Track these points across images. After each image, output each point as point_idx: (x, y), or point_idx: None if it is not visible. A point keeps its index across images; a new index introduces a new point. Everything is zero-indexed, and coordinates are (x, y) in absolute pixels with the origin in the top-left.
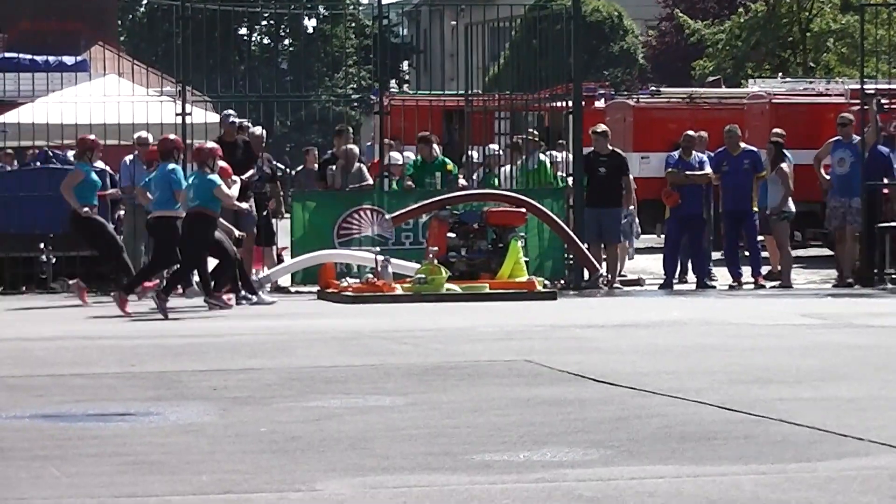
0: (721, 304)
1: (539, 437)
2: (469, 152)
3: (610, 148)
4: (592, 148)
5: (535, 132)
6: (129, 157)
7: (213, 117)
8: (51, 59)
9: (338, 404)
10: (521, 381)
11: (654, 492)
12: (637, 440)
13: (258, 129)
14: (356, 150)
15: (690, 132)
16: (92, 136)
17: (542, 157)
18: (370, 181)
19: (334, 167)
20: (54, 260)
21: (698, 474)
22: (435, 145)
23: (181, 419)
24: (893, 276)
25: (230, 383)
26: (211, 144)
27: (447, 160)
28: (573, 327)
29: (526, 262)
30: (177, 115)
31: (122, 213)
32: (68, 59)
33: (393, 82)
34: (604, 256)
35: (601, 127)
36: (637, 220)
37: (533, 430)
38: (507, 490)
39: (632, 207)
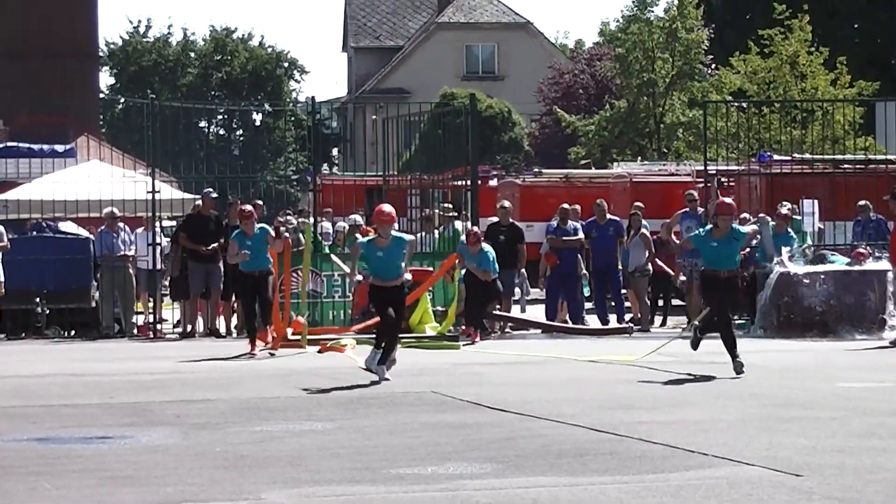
0: (593, 345)
1: (443, 454)
2: None
3: (510, 220)
4: (496, 219)
5: (450, 205)
6: (102, 228)
7: (178, 194)
8: (45, 147)
9: (278, 428)
10: (429, 409)
11: (536, 499)
12: (523, 456)
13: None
14: (295, 221)
15: (566, 205)
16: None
17: (457, 225)
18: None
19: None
20: (47, 311)
21: (572, 484)
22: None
23: (150, 441)
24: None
25: (191, 412)
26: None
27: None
28: (472, 364)
29: (435, 311)
30: (148, 192)
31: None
32: (59, 147)
33: (325, 165)
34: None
35: (507, 203)
36: (527, 279)
37: (438, 449)
38: (417, 498)
39: (522, 270)
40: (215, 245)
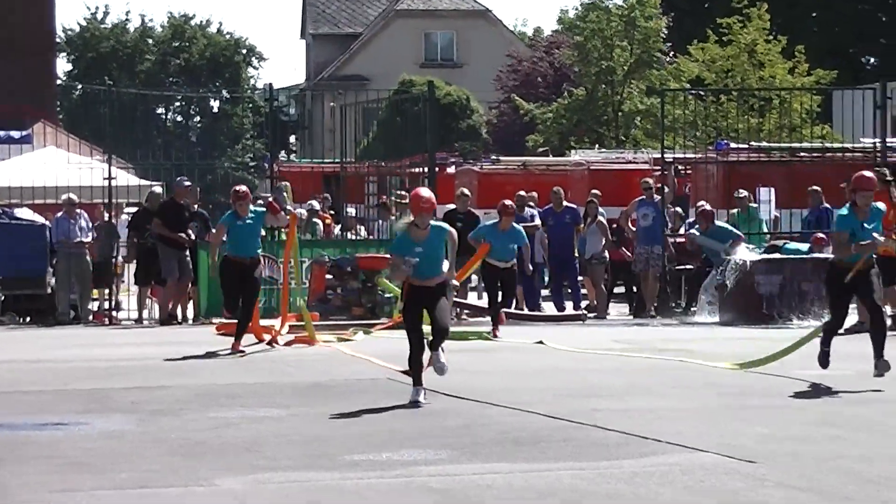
0: (549, 332)
1: (399, 441)
2: (345, 209)
3: (468, 207)
4: (454, 206)
5: (405, 192)
6: (59, 214)
7: (135, 181)
8: (0, 133)
9: (235, 415)
10: (385, 396)
11: (491, 485)
12: (479, 443)
13: (158, 189)
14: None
15: (523, 192)
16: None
17: None
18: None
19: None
20: (2, 297)
21: (527, 470)
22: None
23: (106, 428)
24: (689, 310)
25: (147, 398)
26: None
27: None
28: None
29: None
30: (104, 178)
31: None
32: (15, 134)
33: (282, 152)
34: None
35: (465, 191)
36: None
37: (393, 436)
38: (372, 484)
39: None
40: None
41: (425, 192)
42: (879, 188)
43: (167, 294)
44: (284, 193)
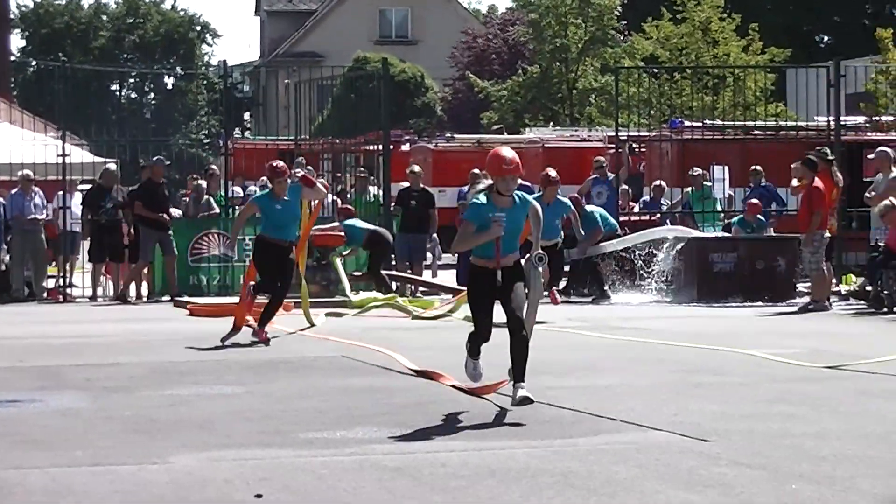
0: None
1: (353, 418)
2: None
3: (421, 185)
4: (407, 184)
5: (364, 170)
6: (14, 191)
7: (89, 157)
8: None
9: (189, 392)
10: (340, 373)
11: (445, 462)
12: (433, 421)
13: (112, 166)
14: (204, 185)
15: (477, 170)
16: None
17: (373, 190)
18: (217, 210)
19: (187, 199)
20: None
21: (482, 448)
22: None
23: (60, 405)
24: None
25: (101, 375)
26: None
27: None
28: (383, 329)
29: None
30: (58, 156)
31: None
32: None
33: (237, 129)
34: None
35: (416, 168)
36: (439, 244)
37: (348, 413)
38: (326, 462)
39: (434, 235)
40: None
41: (507, 151)
42: (820, 168)
43: (135, 272)
44: (310, 167)
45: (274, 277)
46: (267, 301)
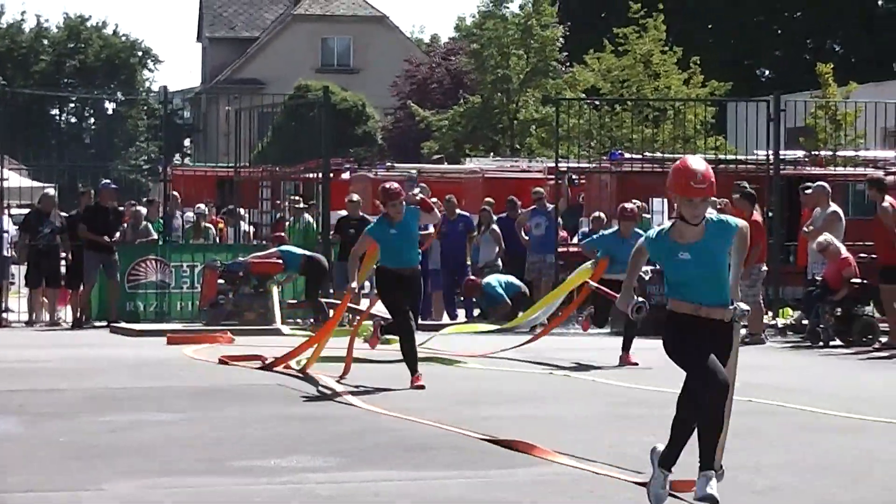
0: (440, 341)
1: (288, 447)
2: (238, 213)
3: (360, 214)
4: (346, 212)
5: (300, 198)
6: None
7: (28, 182)
8: None
9: (127, 419)
10: (277, 402)
11: (378, 492)
12: (368, 450)
13: (51, 191)
14: (143, 211)
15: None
16: None
17: (308, 218)
18: (155, 236)
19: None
20: None
21: (416, 478)
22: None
23: None
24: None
25: (37, 401)
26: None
27: None
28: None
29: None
30: None
31: None
32: None
33: (176, 156)
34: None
35: (356, 196)
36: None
37: (283, 442)
38: (260, 490)
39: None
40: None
41: (698, 163)
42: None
43: (83, 297)
44: (423, 184)
45: (404, 310)
46: (399, 341)
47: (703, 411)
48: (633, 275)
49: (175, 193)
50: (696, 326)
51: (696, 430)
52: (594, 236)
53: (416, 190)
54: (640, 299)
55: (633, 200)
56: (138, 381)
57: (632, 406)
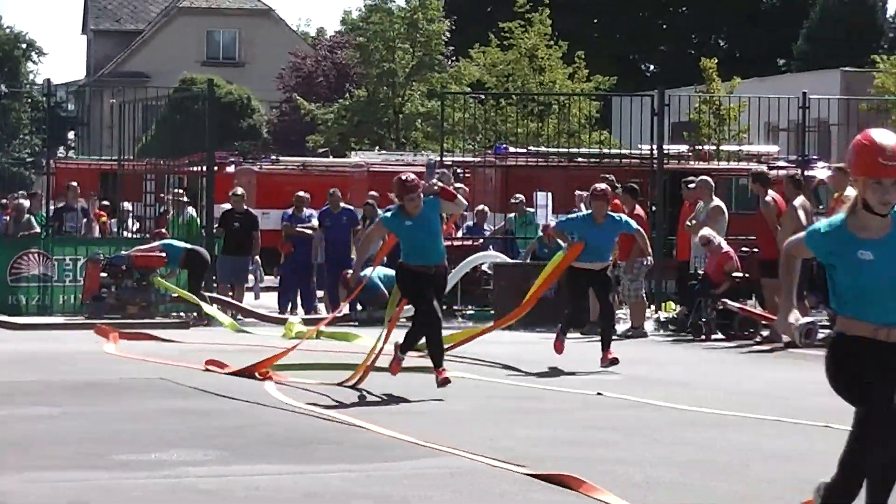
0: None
1: (169, 441)
2: (122, 206)
3: (245, 208)
4: (231, 206)
5: (182, 191)
6: None
7: None
8: None
9: (6, 413)
10: (157, 396)
11: (259, 486)
12: (249, 444)
13: None
14: (26, 204)
15: (301, 193)
16: None
17: (191, 211)
18: (37, 229)
19: (7, 217)
20: None
21: (296, 472)
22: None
23: None
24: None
25: None
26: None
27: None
28: (201, 351)
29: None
30: None
31: None
32: None
33: (60, 148)
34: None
35: (239, 190)
36: (261, 266)
37: (164, 436)
38: (140, 485)
39: (257, 258)
40: None
41: (886, 136)
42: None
43: None
44: (444, 170)
45: (430, 311)
46: (424, 334)
47: (885, 467)
48: (790, 285)
49: (74, 184)
50: (877, 354)
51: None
52: (565, 218)
53: (435, 178)
54: (809, 320)
55: (517, 195)
56: (18, 375)
57: (513, 400)
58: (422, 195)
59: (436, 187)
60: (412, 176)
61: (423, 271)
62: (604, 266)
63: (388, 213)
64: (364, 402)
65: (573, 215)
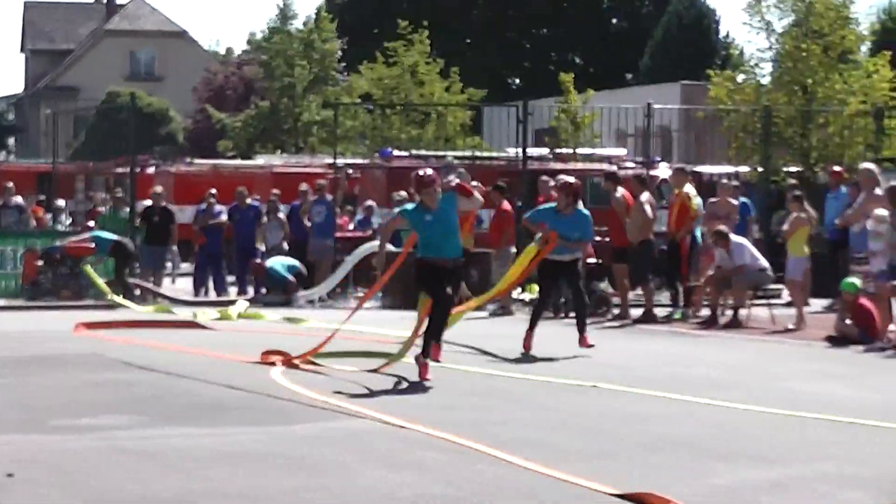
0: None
1: (98, 408)
2: (56, 203)
3: (163, 204)
4: (151, 202)
5: (119, 190)
6: None
7: None
8: None
9: None
10: (89, 369)
11: (177, 446)
12: (170, 410)
13: None
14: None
15: (213, 190)
16: None
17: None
18: None
19: None
20: None
21: (210, 434)
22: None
23: None
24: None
25: None
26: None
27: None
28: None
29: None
30: None
31: None
32: None
33: (1, 153)
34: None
35: (159, 189)
36: (178, 255)
37: (94, 403)
38: (72, 447)
39: (174, 247)
40: None
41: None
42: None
43: None
44: (461, 170)
45: (447, 301)
46: (435, 313)
47: None
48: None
49: (10, 184)
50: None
51: None
52: (535, 210)
53: (452, 176)
54: None
55: (401, 192)
56: None
57: (405, 369)
58: (439, 190)
59: (453, 184)
60: (429, 171)
61: (441, 264)
62: (573, 258)
63: (410, 206)
64: (269, 371)
65: (540, 208)
